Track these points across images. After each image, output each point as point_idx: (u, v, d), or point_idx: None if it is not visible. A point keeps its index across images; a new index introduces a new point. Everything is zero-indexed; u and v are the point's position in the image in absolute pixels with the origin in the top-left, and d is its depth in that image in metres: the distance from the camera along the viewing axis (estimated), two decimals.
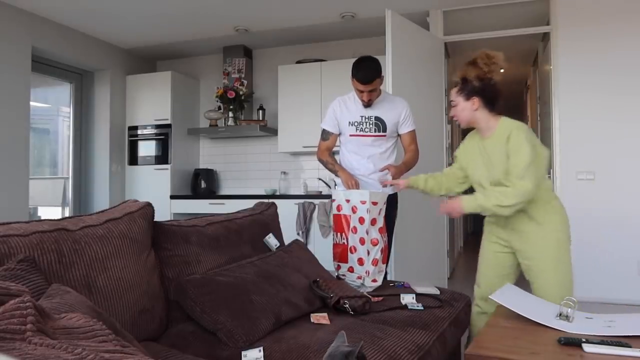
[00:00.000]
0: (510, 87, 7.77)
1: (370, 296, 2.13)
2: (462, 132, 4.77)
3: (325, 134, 2.99)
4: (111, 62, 5.64)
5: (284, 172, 5.67)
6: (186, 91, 5.89)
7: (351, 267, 2.57)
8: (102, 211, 1.78)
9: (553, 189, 2.26)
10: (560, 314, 1.77)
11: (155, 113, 5.66)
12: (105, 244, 1.58)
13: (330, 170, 2.95)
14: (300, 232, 4.92)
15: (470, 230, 9.38)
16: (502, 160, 2.17)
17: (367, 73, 2.72)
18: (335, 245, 2.68)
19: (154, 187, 5.59)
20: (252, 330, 1.66)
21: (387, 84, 3.70)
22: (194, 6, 4.54)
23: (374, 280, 2.50)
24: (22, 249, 1.35)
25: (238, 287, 1.81)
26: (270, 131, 5.52)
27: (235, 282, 1.83)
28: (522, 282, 2.33)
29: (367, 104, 2.84)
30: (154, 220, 1.89)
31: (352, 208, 2.60)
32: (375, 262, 2.51)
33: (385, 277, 2.65)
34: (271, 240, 2.36)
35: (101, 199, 5.57)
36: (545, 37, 4.88)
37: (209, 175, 5.77)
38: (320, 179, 5.46)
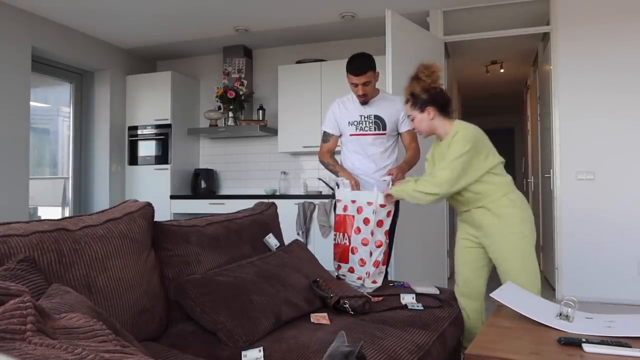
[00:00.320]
0: (510, 87, 7.77)
1: (370, 296, 2.13)
2: None
3: (325, 136, 2.99)
4: (111, 62, 5.64)
5: (284, 172, 5.67)
6: (186, 91, 5.89)
7: (352, 267, 2.57)
8: (102, 211, 1.78)
9: (514, 184, 2.34)
10: (560, 314, 1.78)
11: (155, 113, 5.66)
12: (105, 244, 1.58)
13: (332, 171, 2.95)
14: (300, 232, 4.92)
15: None
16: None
17: (359, 63, 2.78)
18: (336, 245, 2.68)
19: (154, 187, 5.59)
20: (252, 330, 1.66)
21: (387, 84, 3.71)
22: (194, 6, 4.54)
23: (374, 282, 2.50)
24: (22, 249, 1.35)
25: (238, 287, 1.81)
26: (270, 131, 5.52)
27: (235, 282, 1.83)
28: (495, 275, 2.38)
29: (363, 99, 2.84)
30: (154, 220, 1.89)
31: (358, 209, 2.59)
32: (376, 264, 2.51)
33: (385, 277, 2.65)
34: (271, 240, 2.36)
35: (101, 199, 5.57)
36: (545, 37, 4.88)
37: (209, 175, 5.77)
38: (320, 179, 5.45)
